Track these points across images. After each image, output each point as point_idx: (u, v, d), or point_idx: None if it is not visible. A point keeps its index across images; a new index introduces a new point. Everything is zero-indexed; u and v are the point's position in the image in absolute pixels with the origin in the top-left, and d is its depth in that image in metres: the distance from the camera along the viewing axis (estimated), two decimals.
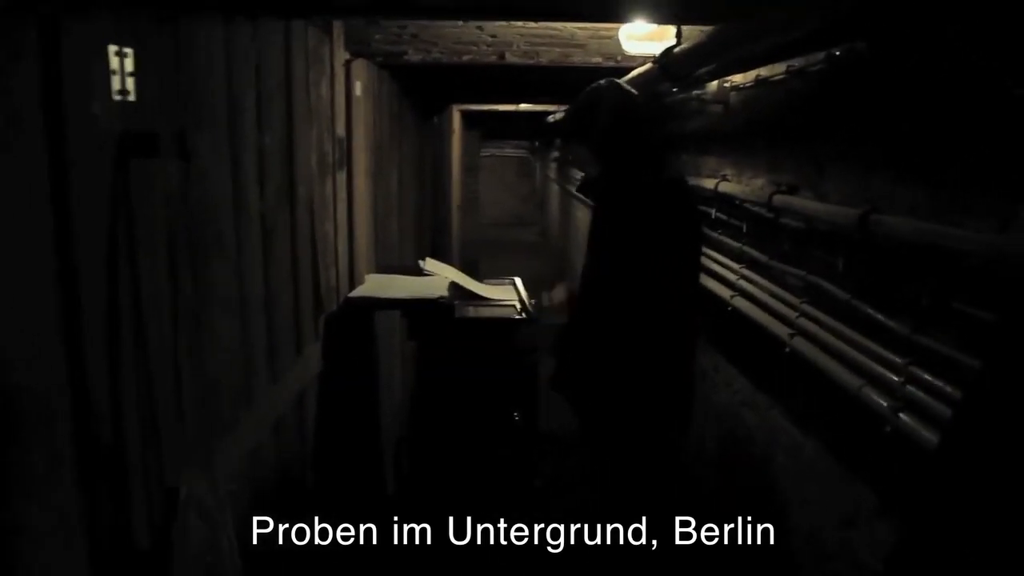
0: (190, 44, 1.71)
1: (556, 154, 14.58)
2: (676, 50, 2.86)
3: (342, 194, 3.25)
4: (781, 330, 2.70)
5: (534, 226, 21.34)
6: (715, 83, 3.57)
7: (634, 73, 3.50)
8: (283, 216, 2.42)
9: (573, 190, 8.09)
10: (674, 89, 3.66)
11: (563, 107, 9.49)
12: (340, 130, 3.22)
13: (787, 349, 2.64)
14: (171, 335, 1.60)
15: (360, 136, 3.55)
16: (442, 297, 3.02)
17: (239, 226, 2.01)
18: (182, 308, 1.63)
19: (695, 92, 4.01)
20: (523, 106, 9.97)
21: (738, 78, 3.30)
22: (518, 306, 3.33)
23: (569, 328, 3.01)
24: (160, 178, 1.52)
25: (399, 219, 4.93)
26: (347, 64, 3.28)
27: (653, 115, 3.23)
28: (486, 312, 3.16)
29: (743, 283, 3.23)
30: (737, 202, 3.29)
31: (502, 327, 3.10)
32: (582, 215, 10.48)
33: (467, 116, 11.00)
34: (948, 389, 1.79)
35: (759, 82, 3.04)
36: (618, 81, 2.85)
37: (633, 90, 2.93)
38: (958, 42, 1.77)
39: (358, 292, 3.04)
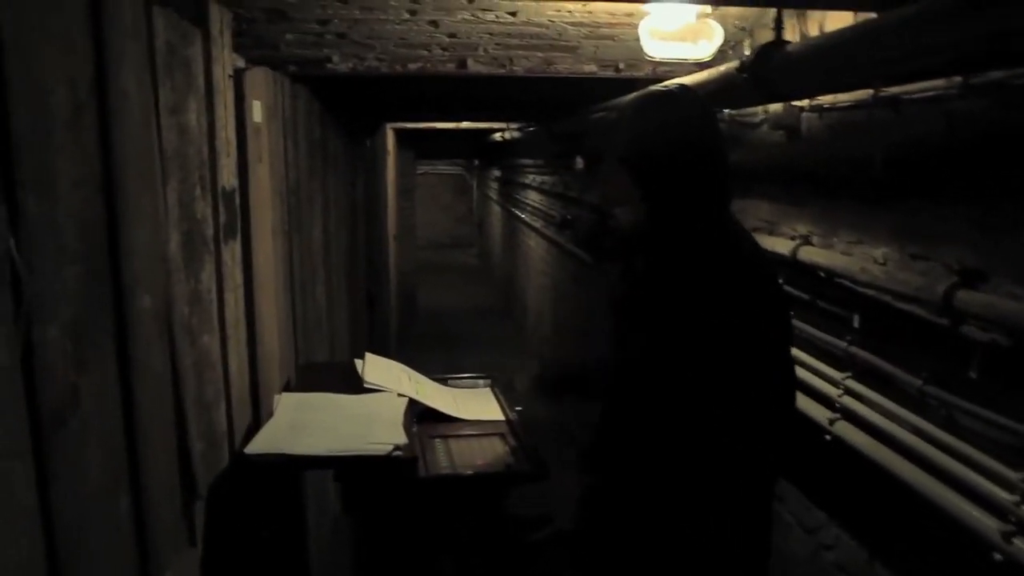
0: None
1: (498, 173, 13.49)
2: (790, 48, 1.75)
3: (233, 277, 2.07)
4: (981, 521, 1.61)
5: (472, 247, 20.21)
6: (778, 104, 2.50)
7: (689, 80, 2.39)
8: (97, 374, 1.24)
9: (565, 241, 6.83)
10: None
11: (513, 125, 8.41)
12: (228, 179, 2.03)
13: (996, 555, 1.55)
14: None
15: (263, 182, 2.37)
16: (397, 447, 1.85)
17: None
18: None
19: (731, 112, 2.94)
20: (465, 124, 8.90)
21: (827, 97, 2.23)
22: (509, 438, 2.19)
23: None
24: None
25: (327, 280, 3.74)
26: (236, 76, 2.10)
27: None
28: (468, 462, 2.00)
29: (850, 402, 2.14)
30: (834, 279, 2.21)
31: (493, 485, 1.95)
32: (534, 242, 9.38)
33: (402, 134, 9.87)
34: None
35: (879, 101, 1.96)
36: (693, 88, 1.80)
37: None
38: None
39: (261, 442, 1.86)
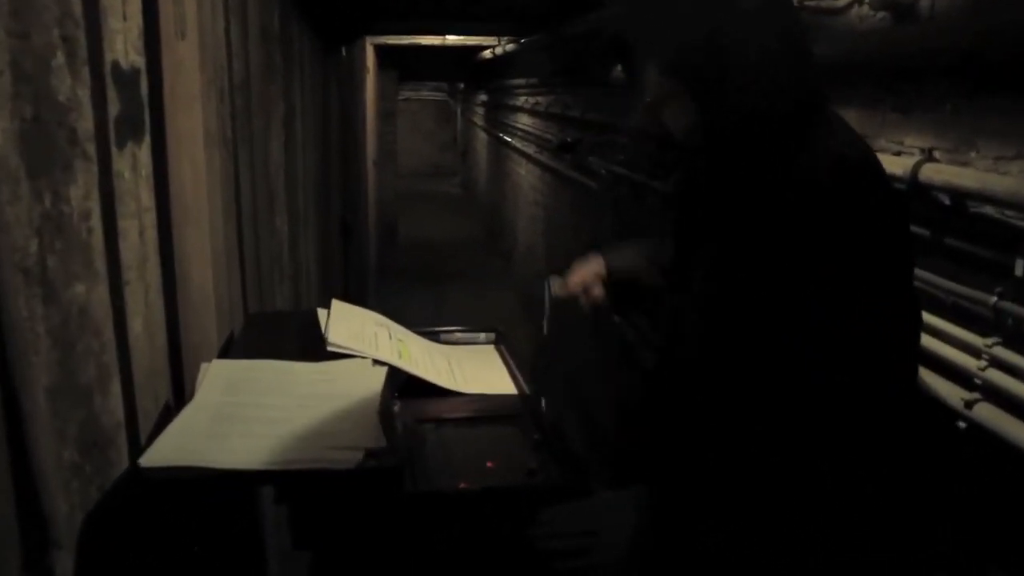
0: None
1: (485, 97, 12.73)
2: None
3: (137, 198, 1.43)
4: None
5: (455, 176, 19.48)
6: None
7: None
8: None
9: (565, 168, 6.16)
10: None
11: (505, 39, 7.67)
12: (126, 53, 1.39)
13: None
14: None
15: (188, 67, 1.72)
16: (370, 453, 1.26)
17: None
18: None
19: None
20: (451, 39, 8.18)
21: None
22: (528, 424, 1.60)
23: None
24: None
25: (290, 207, 3.10)
26: None
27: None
28: (471, 463, 1.41)
29: (997, 377, 1.56)
30: (971, 208, 1.60)
31: (509, 503, 1.36)
32: (524, 170, 8.72)
33: (383, 52, 9.11)
34: None
35: None
36: None
37: None
38: None
39: (165, 448, 1.24)
